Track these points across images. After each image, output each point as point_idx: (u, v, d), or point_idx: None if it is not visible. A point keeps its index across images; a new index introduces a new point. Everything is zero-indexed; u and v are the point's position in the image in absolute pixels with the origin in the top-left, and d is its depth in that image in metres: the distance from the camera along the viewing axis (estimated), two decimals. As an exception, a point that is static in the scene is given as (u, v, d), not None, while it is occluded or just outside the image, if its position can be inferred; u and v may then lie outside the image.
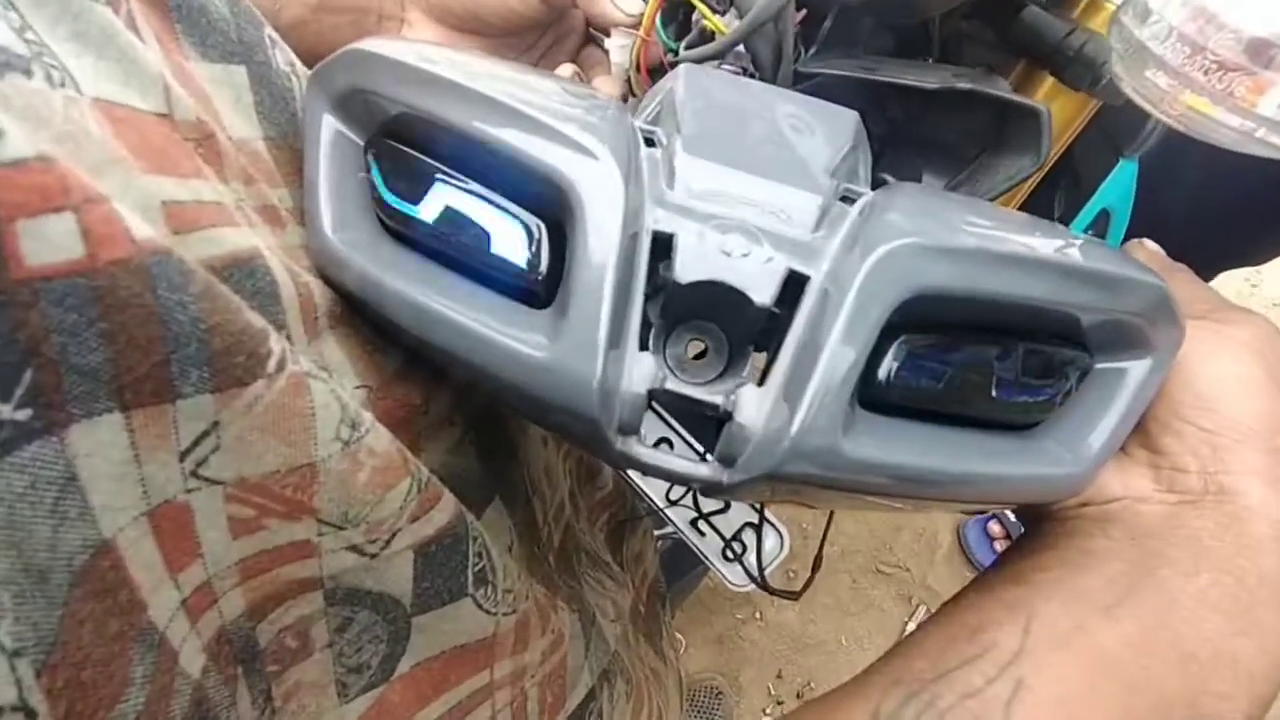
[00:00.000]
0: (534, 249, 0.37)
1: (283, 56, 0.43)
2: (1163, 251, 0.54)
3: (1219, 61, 0.40)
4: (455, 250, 0.39)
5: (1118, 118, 0.75)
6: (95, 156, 0.27)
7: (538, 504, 0.62)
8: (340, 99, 0.42)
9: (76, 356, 0.24)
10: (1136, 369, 0.42)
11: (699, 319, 0.37)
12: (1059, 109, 0.78)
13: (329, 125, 0.42)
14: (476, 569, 0.44)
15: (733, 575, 0.96)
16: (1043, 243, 0.38)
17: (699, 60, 0.58)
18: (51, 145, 0.24)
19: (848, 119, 0.44)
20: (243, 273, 0.32)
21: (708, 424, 0.38)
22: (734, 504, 0.97)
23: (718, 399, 0.36)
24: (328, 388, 0.33)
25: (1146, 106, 0.45)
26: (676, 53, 0.61)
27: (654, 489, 0.96)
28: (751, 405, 0.34)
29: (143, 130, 0.31)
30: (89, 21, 0.30)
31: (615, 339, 0.34)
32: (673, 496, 0.95)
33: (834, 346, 0.34)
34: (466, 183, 0.38)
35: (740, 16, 0.55)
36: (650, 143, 0.39)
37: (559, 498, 0.68)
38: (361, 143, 0.42)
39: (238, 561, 0.33)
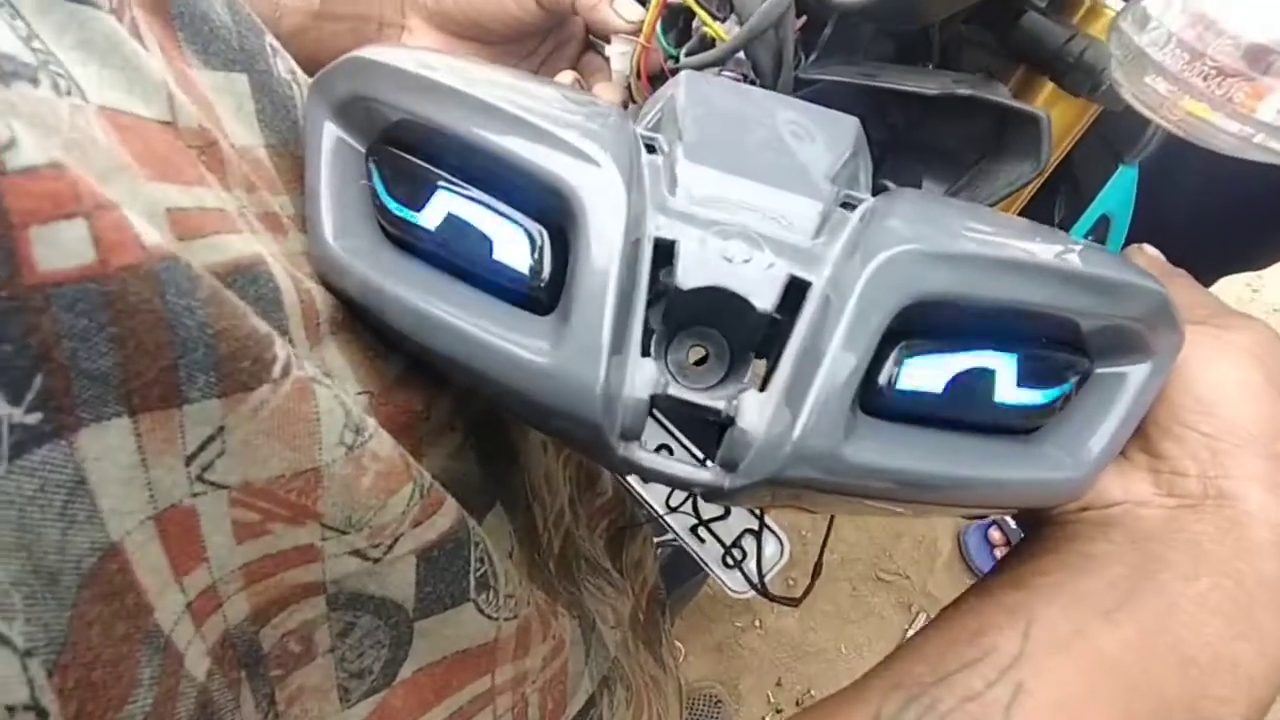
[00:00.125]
0: (536, 255, 0.37)
1: (284, 64, 0.43)
2: (1162, 257, 0.55)
3: (1218, 67, 0.41)
4: (457, 257, 0.39)
5: (1118, 124, 0.75)
6: (101, 164, 0.27)
7: (538, 510, 0.63)
8: (341, 106, 0.42)
9: (86, 361, 0.25)
10: (1136, 374, 0.42)
11: (700, 325, 0.38)
12: (1059, 115, 0.78)
13: (330, 132, 0.42)
14: (478, 574, 0.44)
15: (733, 582, 0.96)
16: (1042, 248, 0.38)
17: (699, 67, 0.58)
18: (60, 153, 0.24)
19: (848, 125, 0.45)
20: (246, 279, 0.32)
21: (708, 431, 0.38)
22: (733, 511, 0.97)
23: (720, 404, 0.36)
24: (331, 393, 0.33)
25: (1146, 112, 0.45)
26: (677, 59, 0.62)
27: (654, 496, 0.96)
28: (753, 410, 0.35)
29: (147, 138, 0.31)
30: (94, 30, 0.30)
31: (618, 345, 0.35)
32: (672, 503, 0.95)
33: (835, 352, 0.34)
34: (468, 189, 0.39)
35: (741, 23, 0.55)
36: (651, 149, 0.40)
37: (559, 504, 0.69)
38: (363, 150, 0.42)
39: (242, 566, 0.33)
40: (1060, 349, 0.40)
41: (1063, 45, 0.61)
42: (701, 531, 0.97)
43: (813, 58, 0.62)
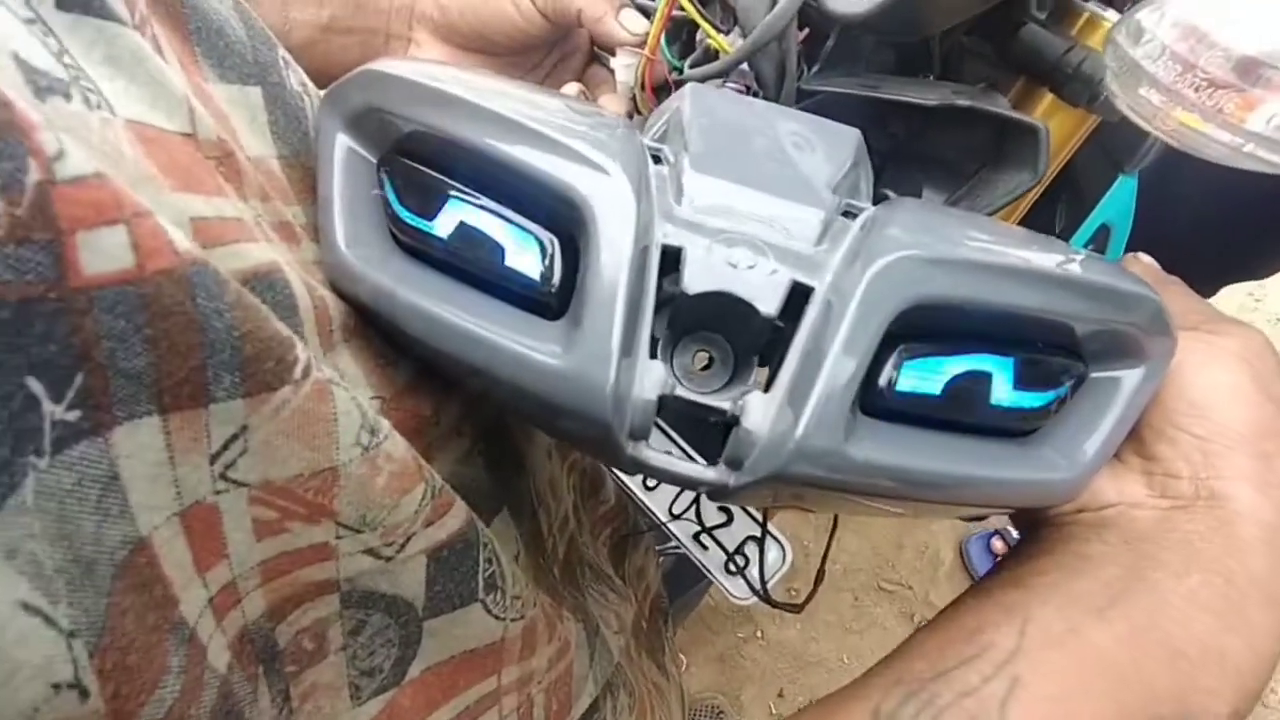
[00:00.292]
0: (547, 262, 0.38)
1: (295, 77, 0.44)
2: (1157, 265, 0.56)
3: (1209, 79, 0.42)
4: (469, 264, 0.40)
5: (1117, 134, 0.76)
6: (130, 175, 0.28)
7: (543, 516, 0.63)
8: (354, 118, 0.43)
9: (123, 360, 0.26)
10: (1130, 378, 0.42)
11: (706, 330, 0.39)
12: (1058, 125, 0.79)
13: (342, 143, 0.43)
14: (487, 574, 0.45)
15: (735, 589, 0.96)
16: (1038, 255, 0.39)
17: (703, 79, 0.59)
18: (99, 164, 0.25)
19: (849, 136, 0.46)
20: (263, 285, 0.33)
21: (710, 436, 0.39)
22: (736, 518, 0.97)
23: (725, 404, 0.37)
24: (348, 395, 0.34)
25: (1140, 122, 0.46)
26: (681, 71, 0.63)
27: (656, 504, 0.97)
28: (758, 410, 0.36)
29: (170, 150, 0.32)
30: (121, 46, 0.31)
31: (627, 348, 0.36)
32: (675, 511, 0.96)
33: (836, 354, 0.35)
34: (480, 198, 0.39)
35: (744, 35, 0.56)
36: (658, 160, 0.41)
37: (563, 511, 0.69)
38: (374, 160, 0.43)
39: (260, 563, 0.34)
40: (1056, 353, 0.41)
41: (1061, 56, 0.62)
42: (704, 538, 0.97)
43: (815, 69, 0.63)
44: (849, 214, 0.41)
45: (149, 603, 0.28)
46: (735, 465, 0.37)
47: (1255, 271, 1.54)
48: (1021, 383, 0.39)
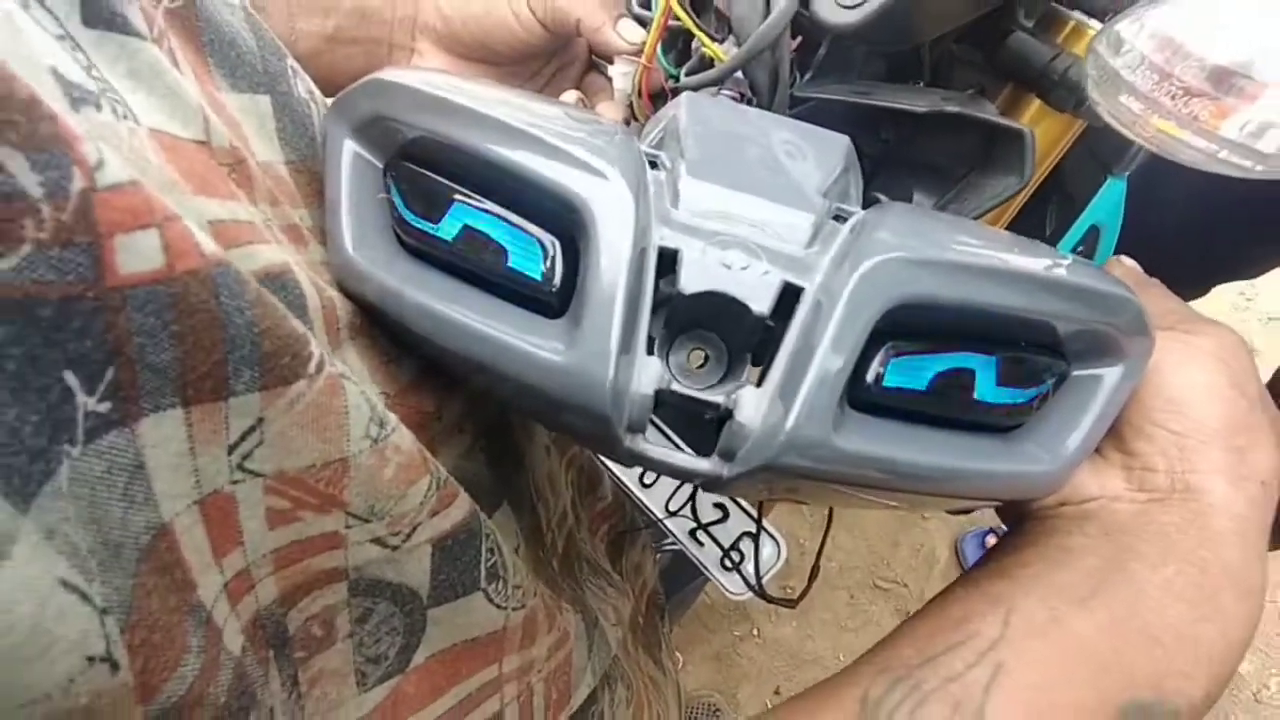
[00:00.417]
0: (549, 263, 0.40)
1: (302, 85, 0.46)
2: (1139, 267, 0.57)
3: (1185, 88, 0.43)
4: (474, 265, 0.41)
5: (1105, 138, 0.77)
6: (156, 180, 0.30)
7: (542, 510, 0.65)
8: (361, 125, 0.44)
9: (151, 355, 0.27)
10: (1110, 376, 0.44)
11: (701, 329, 0.40)
12: (1045, 129, 0.80)
13: (349, 149, 0.44)
14: (489, 564, 0.46)
15: (731, 584, 0.97)
16: (1021, 258, 0.40)
17: (699, 86, 0.60)
18: (133, 171, 0.26)
19: (839, 143, 0.47)
20: (275, 285, 0.35)
21: (705, 434, 0.40)
22: (731, 514, 0.98)
23: (719, 399, 0.39)
24: (358, 389, 0.35)
25: (1120, 129, 0.48)
26: (677, 79, 0.64)
27: (653, 500, 0.98)
28: (750, 404, 0.37)
29: (188, 157, 0.34)
30: (141, 60, 0.32)
31: (625, 345, 0.37)
32: (672, 507, 0.97)
33: (825, 351, 0.37)
34: (484, 202, 0.41)
35: (738, 44, 0.57)
36: (655, 165, 0.42)
37: (561, 506, 0.71)
38: (380, 166, 0.45)
39: (273, 551, 0.36)
40: (1038, 352, 0.42)
41: (1048, 63, 0.63)
42: (700, 535, 0.98)
43: (808, 76, 0.64)
44: (839, 218, 0.42)
45: (170, 585, 0.29)
46: (728, 457, 0.38)
47: (1243, 271, 1.55)
48: (1004, 379, 0.41)
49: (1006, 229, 0.94)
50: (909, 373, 0.40)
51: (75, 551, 0.25)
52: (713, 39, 0.61)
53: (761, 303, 0.38)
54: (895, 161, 0.67)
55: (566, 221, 0.40)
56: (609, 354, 0.37)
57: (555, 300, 0.40)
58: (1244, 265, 1.53)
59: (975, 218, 0.63)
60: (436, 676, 0.47)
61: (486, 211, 0.41)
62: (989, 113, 0.60)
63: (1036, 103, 0.71)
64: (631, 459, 0.39)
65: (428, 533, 0.41)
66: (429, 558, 0.42)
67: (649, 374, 0.38)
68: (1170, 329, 0.47)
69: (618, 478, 0.96)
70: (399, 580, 0.42)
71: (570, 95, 0.70)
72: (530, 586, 0.52)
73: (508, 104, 0.42)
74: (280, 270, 0.35)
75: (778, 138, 0.46)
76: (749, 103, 0.61)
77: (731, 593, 0.96)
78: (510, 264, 0.40)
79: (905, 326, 0.39)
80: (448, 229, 0.41)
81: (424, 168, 0.43)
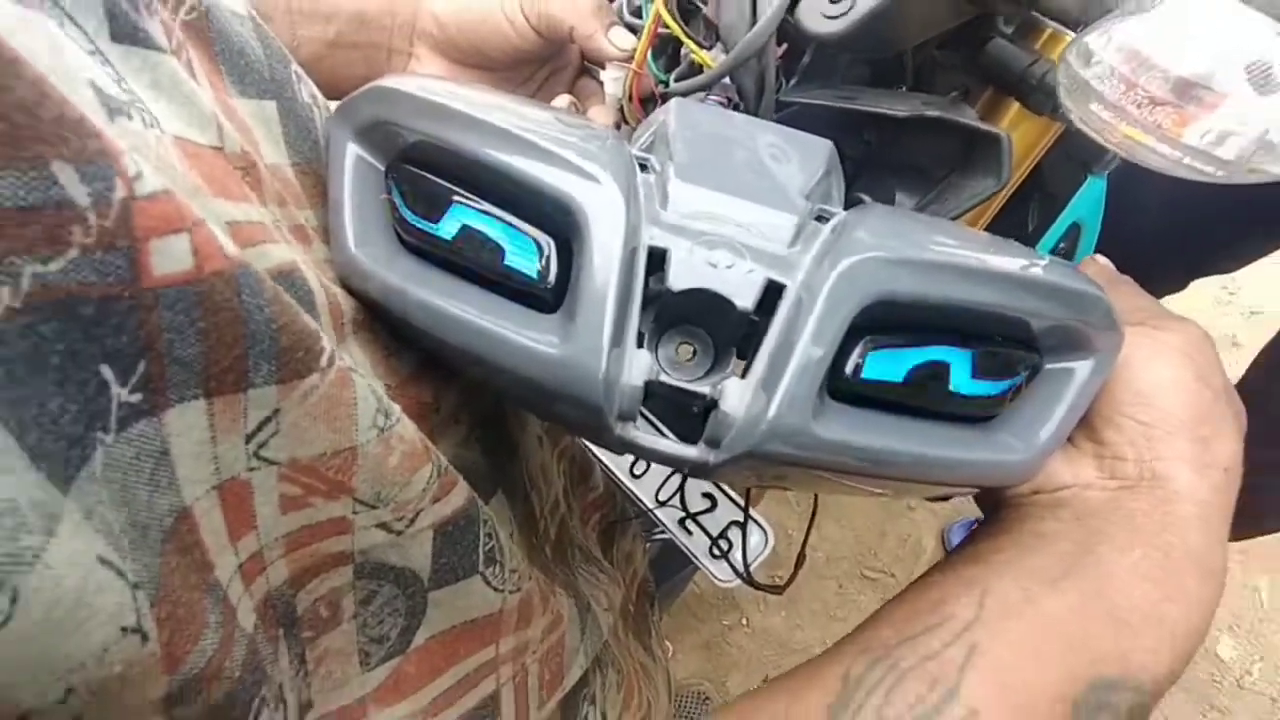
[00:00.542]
0: (544, 262, 0.42)
1: (306, 90, 0.47)
2: (1112, 266, 0.59)
3: (1150, 97, 0.45)
4: (472, 263, 0.43)
5: (1084, 140, 0.79)
6: (182, 185, 0.32)
7: (535, 499, 0.66)
8: (363, 129, 0.46)
9: (179, 350, 0.29)
10: (1082, 369, 0.46)
11: (688, 324, 0.42)
12: (1024, 131, 0.82)
13: (352, 152, 0.46)
14: (487, 549, 0.48)
15: (719, 572, 0.98)
16: (994, 257, 0.42)
17: (687, 92, 0.62)
18: (165, 180, 0.29)
19: (822, 147, 0.49)
20: (286, 283, 0.37)
21: (692, 427, 0.42)
22: (720, 504, 0.99)
23: (705, 389, 0.40)
24: (365, 381, 0.37)
25: (1091, 134, 0.50)
26: (666, 84, 0.66)
27: (643, 491, 0.99)
28: (735, 395, 0.39)
29: (207, 162, 0.35)
30: (162, 72, 0.34)
31: (617, 339, 0.39)
32: (661, 498, 0.98)
33: (805, 344, 0.39)
34: (481, 204, 0.43)
35: (726, 51, 0.59)
36: (645, 168, 0.44)
37: (554, 495, 0.72)
38: (382, 168, 0.47)
39: (285, 535, 0.38)
40: (1012, 346, 0.44)
41: (1026, 68, 0.65)
42: (689, 524, 0.99)
43: (793, 82, 0.66)
44: (821, 219, 0.44)
45: (190, 565, 0.31)
46: (714, 444, 0.40)
47: (1222, 266, 1.57)
48: (979, 372, 0.43)
49: (989, 226, 0.96)
50: (887, 365, 0.41)
51: (109, 531, 0.27)
52: (701, 46, 0.63)
53: (746, 299, 0.40)
54: (878, 163, 0.69)
55: (561, 222, 0.41)
56: (601, 347, 0.39)
57: (550, 296, 0.42)
58: (1222, 260, 1.55)
59: (955, 217, 0.64)
60: (436, 657, 0.49)
61: (484, 212, 0.43)
62: (968, 117, 0.61)
63: (1016, 106, 0.73)
64: (623, 446, 0.41)
65: (429, 518, 0.43)
66: (430, 542, 0.44)
67: (639, 366, 0.39)
68: (1140, 325, 0.49)
69: (608, 468, 0.98)
70: (402, 564, 0.44)
71: (563, 99, 0.72)
72: (525, 570, 0.54)
73: (504, 110, 0.43)
74: (290, 268, 0.37)
75: (763, 142, 0.48)
76: (736, 107, 0.63)
77: (720, 580, 0.97)
78: (507, 262, 0.42)
79: (884, 322, 0.41)
80: (447, 228, 0.43)
81: (424, 170, 0.44)
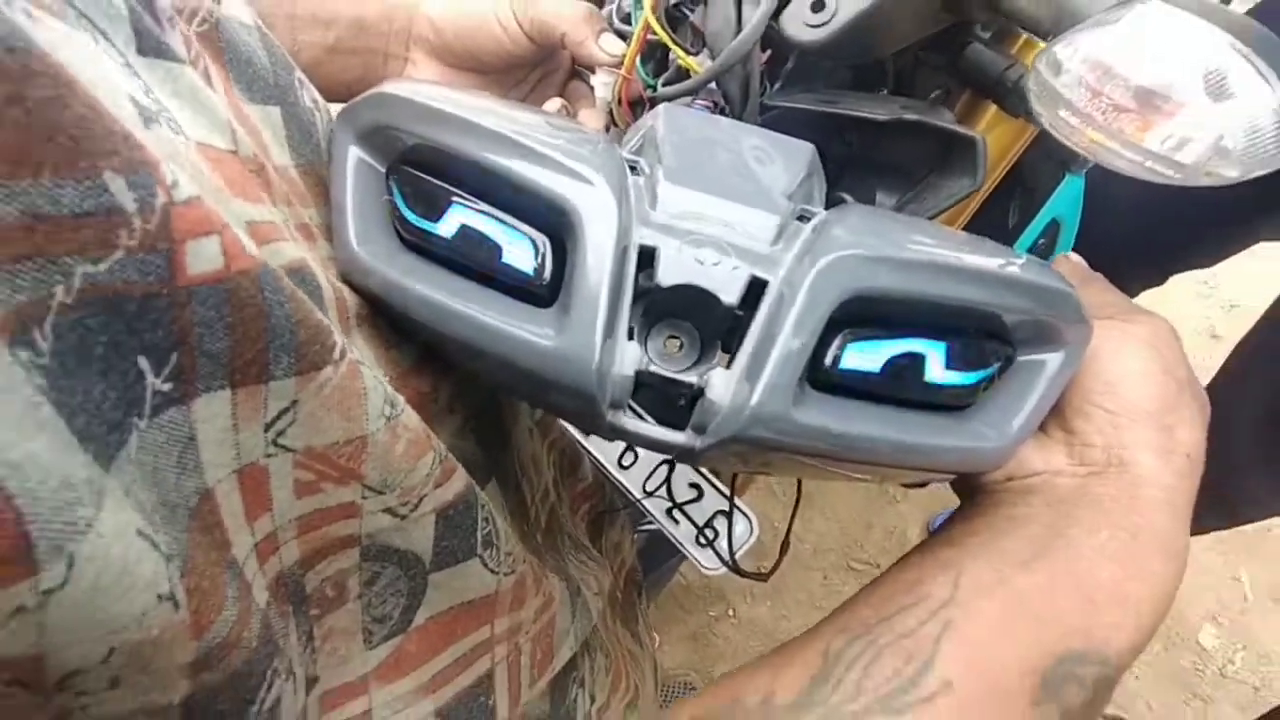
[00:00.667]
0: (539, 259, 0.44)
1: (308, 95, 0.49)
2: (1084, 263, 0.61)
3: (1114, 104, 0.48)
4: (470, 261, 0.45)
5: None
6: (208, 188, 0.34)
7: (526, 487, 0.69)
8: (365, 133, 0.48)
9: (208, 343, 0.31)
10: (1052, 361, 0.48)
11: (676, 318, 0.44)
12: (1001, 132, 0.85)
13: (354, 155, 0.48)
14: (484, 532, 0.50)
15: (706, 560, 1.00)
16: (967, 254, 0.44)
17: (675, 96, 0.64)
18: (196, 186, 0.31)
19: (804, 150, 0.51)
20: (298, 279, 0.39)
21: (680, 420, 0.44)
22: (706, 494, 1.01)
23: (693, 379, 0.43)
24: (372, 373, 0.39)
25: (1060, 138, 0.52)
26: (655, 89, 0.68)
27: (631, 481, 1.01)
28: (720, 383, 0.41)
29: (227, 165, 0.38)
30: (183, 82, 0.36)
31: (609, 331, 0.41)
32: (649, 488, 1.00)
33: (786, 336, 0.41)
34: (479, 204, 0.45)
35: (712, 57, 0.61)
36: (635, 171, 0.46)
37: (544, 484, 0.75)
38: (382, 170, 0.48)
39: (297, 518, 0.40)
40: (985, 339, 0.46)
41: (1002, 73, 0.67)
42: (676, 514, 1.00)
43: (777, 86, 0.68)
44: (804, 218, 0.46)
45: (212, 543, 0.34)
46: (701, 430, 0.42)
47: (1198, 262, 1.60)
48: (953, 363, 0.45)
49: (973, 222, 0.98)
50: (864, 356, 0.43)
51: (143, 508, 0.29)
52: (688, 52, 0.65)
53: (731, 294, 0.42)
54: (860, 164, 0.71)
55: (556, 221, 0.43)
56: (594, 339, 0.41)
57: (545, 292, 0.44)
58: (1198, 256, 1.57)
59: (932, 216, 0.66)
60: (434, 637, 0.51)
61: (482, 212, 0.45)
62: (946, 120, 0.64)
63: (994, 108, 0.75)
64: (614, 434, 0.43)
65: (432, 503, 0.45)
66: (433, 526, 0.46)
67: (629, 357, 0.41)
68: (1110, 319, 0.52)
69: (597, 460, 1.00)
70: (406, 547, 0.46)
71: (554, 103, 0.74)
72: (520, 553, 0.56)
73: (500, 115, 0.46)
74: (300, 265, 0.39)
75: (747, 145, 0.50)
76: (722, 111, 0.65)
77: (706, 568, 0.99)
78: (504, 259, 0.44)
79: (862, 316, 0.43)
80: (446, 227, 0.45)
81: (423, 172, 0.46)
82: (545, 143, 0.44)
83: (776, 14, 0.59)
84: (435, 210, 0.45)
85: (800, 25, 0.57)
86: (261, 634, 0.36)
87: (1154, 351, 0.50)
